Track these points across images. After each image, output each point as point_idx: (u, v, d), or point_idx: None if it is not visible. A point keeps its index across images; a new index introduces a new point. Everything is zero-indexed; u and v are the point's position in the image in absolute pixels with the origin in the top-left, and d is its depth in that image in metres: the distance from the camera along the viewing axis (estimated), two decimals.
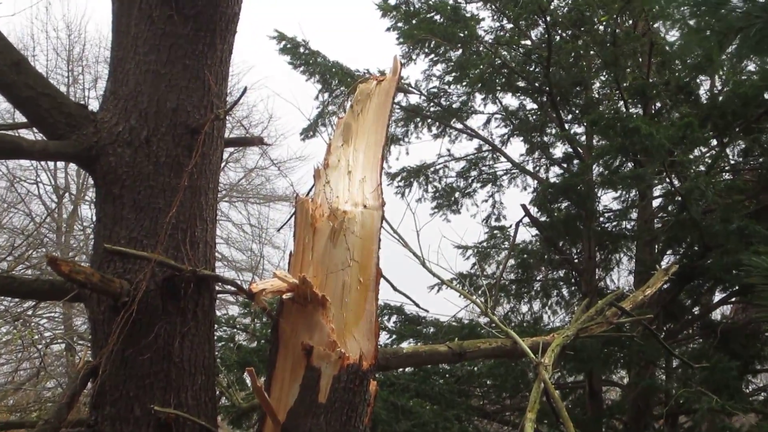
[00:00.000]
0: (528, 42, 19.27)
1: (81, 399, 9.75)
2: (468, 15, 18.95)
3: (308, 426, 8.04)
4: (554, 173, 19.65)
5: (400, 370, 15.40)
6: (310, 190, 8.88)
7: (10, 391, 26.36)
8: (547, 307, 19.37)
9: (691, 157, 16.47)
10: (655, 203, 18.25)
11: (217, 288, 8.79)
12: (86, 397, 9.08)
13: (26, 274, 25.67)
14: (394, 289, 10.73)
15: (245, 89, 9.18)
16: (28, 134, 18.99)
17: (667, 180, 16.40)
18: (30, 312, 26.74)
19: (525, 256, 18.98)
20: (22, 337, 24.87)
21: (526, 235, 21.42)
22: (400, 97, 19.63)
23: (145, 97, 8.50)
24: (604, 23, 18.14)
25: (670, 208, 17.84)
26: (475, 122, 33.26)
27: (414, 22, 18.90)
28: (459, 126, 20.39)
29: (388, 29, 19.38)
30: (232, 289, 9.03)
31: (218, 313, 17.32)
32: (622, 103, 17.83)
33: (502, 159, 20.16)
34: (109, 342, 7.92)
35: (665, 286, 15.03)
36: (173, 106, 8.50)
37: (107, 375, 8.01)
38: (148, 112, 8.47)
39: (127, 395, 8.03)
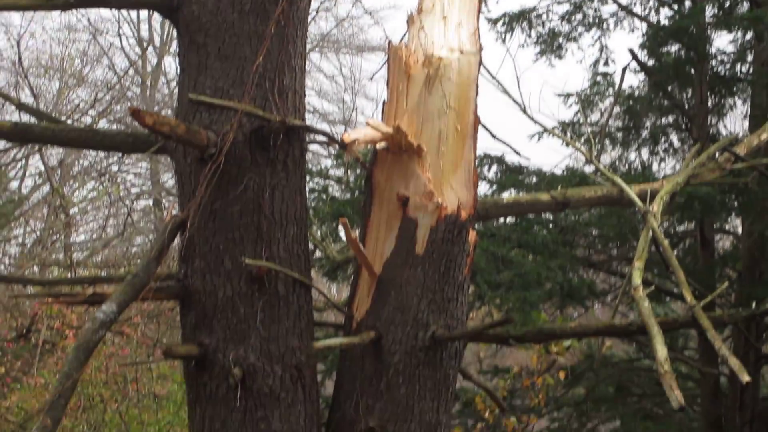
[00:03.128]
0: None
1: (170, 254, 9.94)
2: None
3: (405, 277, 8.17)
4: (664, 15, 19.25)
5: (501, 220, 15.45)
6: (404, 36, 8.81)
7: (99, 247, 26.94)
8: (655, 155, 19.18)
9: None
10: None
11: (307, 139, 8.80)
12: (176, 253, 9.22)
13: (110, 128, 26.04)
14: (494, 137, 10.67)
15: None
16: None
17: None
18: (116, 168, 27.17)
19: (632, 102, 18.75)
20: (109, 193, 25.34)
21: (633, 80, 21.10)
22: None
23: None
24: None
25: None
26: None
27: None
28: None
29: None
30: (324, 139, 9.06)
31: (310, 167, 17.43)
32: None
33: (609, 1, 19.78)
34: (197, 194, 8.02)
35: None
36: None
37: (196, 228, 8.13)
38: None
39: (217, 248, 8.15)
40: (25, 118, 13.93)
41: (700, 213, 15.44)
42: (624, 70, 14.65)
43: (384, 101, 8.41)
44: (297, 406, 8.35)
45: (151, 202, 30.30)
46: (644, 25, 19.19)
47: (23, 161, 26.71)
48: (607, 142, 18.66)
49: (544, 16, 19.73)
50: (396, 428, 8.39)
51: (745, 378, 6.85)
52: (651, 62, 17.49)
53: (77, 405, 15.48)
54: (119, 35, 35.60)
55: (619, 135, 19.17)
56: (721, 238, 19.45)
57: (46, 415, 7.35)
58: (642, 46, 17.40)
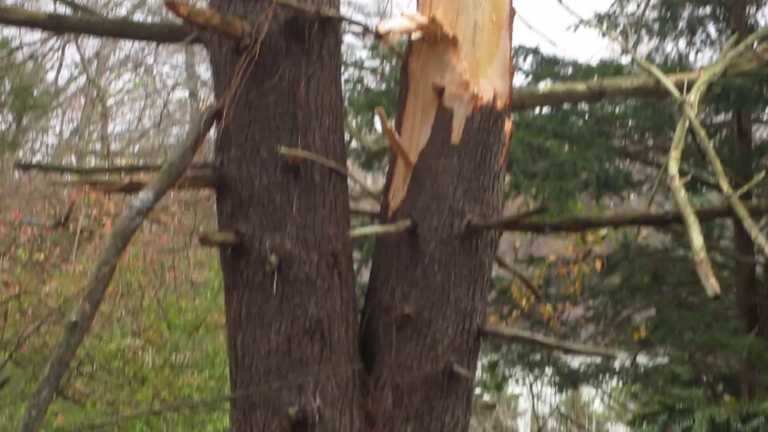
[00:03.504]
0: None
1: (206, 144, 10.03)
2: None
3: (441, 166, 8.26)
4: None
5: (537, 110, 15.44)
6: None
7: (135, 137, 27.05)
8: (692, 46, 19.03)
9: None
10: None
11: (342, 30, 8.79)
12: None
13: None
14: (530, 28, 10.65)
15: None
16: None
17: None
18: (152, 60, 27.18)
19: None
20: (145, 85, 25.39)
21: None
22: None
23: None
24: None
25: None
26: None
27: None
28: None
29: None
30: (359, 30, 9.06)
31: (345, 58, 17.40)
32: None
33: None
34: (232, 84, 8.07)
35: None
36: None
37: (231, 118, 8.22)
38: None
39: (253, 137, 8.24)
40: (61, 9, 13.96)
41: (737, 104, 15.35)
42: None
43: None
44: (333, 292, 8.44)
45: (186, 93, 30.29)
46: None
47: (59, 53, 26.71)
48: (643, 32, 18.52)
49: None
50: (431, 315, 8.52)
51: None
52: None
53: (115, 292, 15.66)
54: None
55: (656, 26, 18.99)
56: (758, 129, 19.39)
57: (85, 301, 7.49)
58: None
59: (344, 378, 8.47)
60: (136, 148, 25.89)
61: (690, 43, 18.85)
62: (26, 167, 9.59)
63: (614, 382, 20.48)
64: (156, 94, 25.48)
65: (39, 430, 7.68)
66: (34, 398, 7.69)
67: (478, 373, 14.05)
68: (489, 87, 8.18)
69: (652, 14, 18.82)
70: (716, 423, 5.11)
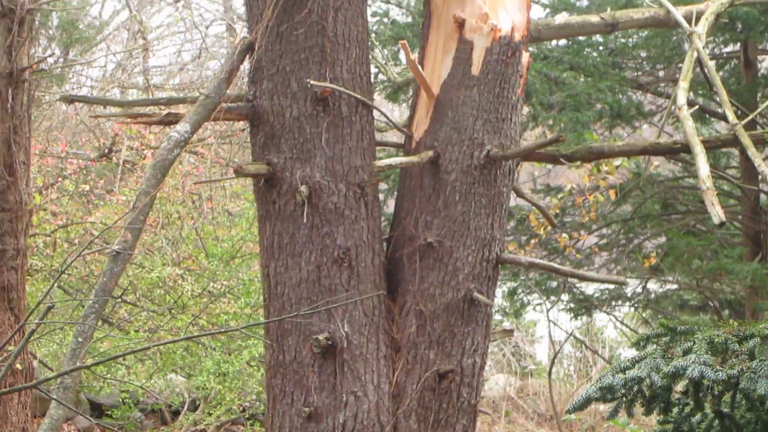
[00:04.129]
0: None
1: (241, 77, 9.84)
2: None
3: (461, 98, 8.09)
4: None
5: (554, 42, 15.23)
6: None
7: (175, 71, 26.99)
8: None
9: None
10: None
11: None
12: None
13: None
14: None
15: None
16: None
17: None
18: None
19: None
20: (184, 19, 25.21)
21: None
22: None
23: None
24: None
25: None
26: None
27: None
28: None
29: None
30: None
31: None
32: None
33: None
34: (264, 17, 8.00)
35: None
36: None
37: (263, 51, 8.10)
38: None
39: (284, 70, 8.10)
40: None
41: (743, 34, 15.07)
42: None
43: None
44: (360, 222, 8.34)
45: (223, 27, 30.36)
46: None
47: None
48: None
49: None
50: (453, 243, 8.42)
51: None
52: None
53: (156, 221, 15.62)
54: None
55: None
56: (764, 59, 19.03)
57: (127, 230, 7.44)
58: None
59: (371, 305, 8.41)
60: (176, 80, 25.83)
61: None
62: (71, 100, 9.44)
63: (626, 308, 20.40)
64: (194, 28, 25.33)
65: (85, 355, 7.61)
66: (80, 325, 7.63)
67: (498, 300, 13.88)
68: (507, 19, 8.02)
69: None
70: (714, 343, 5.03)
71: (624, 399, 4.71)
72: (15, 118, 11.68)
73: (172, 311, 14.71)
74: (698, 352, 5.12)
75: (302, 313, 8.00)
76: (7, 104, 11.66)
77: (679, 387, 5.34)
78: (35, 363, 13.58)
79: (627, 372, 4.72)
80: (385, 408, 8.31)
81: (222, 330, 13.35)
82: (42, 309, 4.06)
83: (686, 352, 5.17)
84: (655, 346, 5.36)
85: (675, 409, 5.30)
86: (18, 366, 11.63)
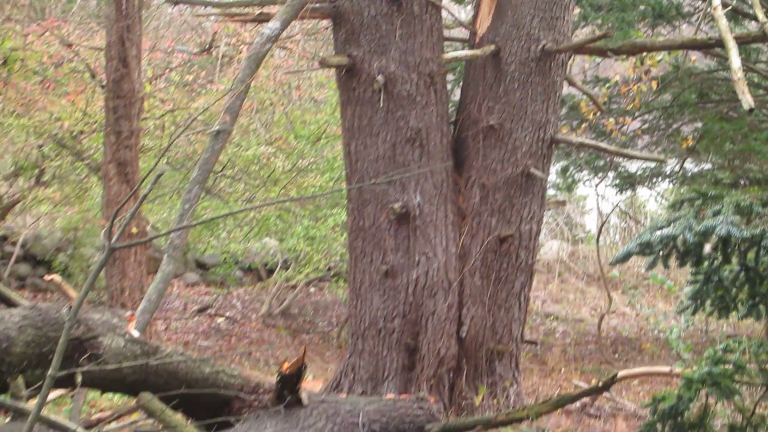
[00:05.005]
0: None
1: None
2: None
3: None
4: None
5: None
6: None
7: None
8: None
9: None
10: None
11: None
12: None
13: None
14: None
15: None
16: None
17: None
18: None
19: None
20: None
21: None
22: None
23: None
24: None
25: None
26: None
27: None
28: None
29: None
30: None
31: None
32: None
33: None
34: None
35: None
36: None
37: None
38: None
39: None
40: None
41: None
42: None
43: None
44: (430, 107, 8.47)
45: None
46: None
47: None
48: None
49: None
50: (512, 125, 8.62)
51: None
52: None
53: (251, 107, 15.69)
54: None
55: None
56: None
57: (226, 113, 7.59)
58: None
59: (440, 179, 8.59)
60: None
61: None
62: (176, 2, 9.59)
63: (665, 184, 20.27)
64: None
65: (191, 219, 7.83)
66: (186, 194, 7.83)
67: (551, 177, 13.96)
68: None
69: None
70: (741, 206, 5.10)
71: (660, 254, 4.86)
72: (128, 18, 11.82)
73: (266, 184, 14.89)
74: (726, 214, 5.21)
75: (380, 182, 8.16)
76: (122, 7, 11.81)
77: (710, 244, 5.45)
78: (148, 227, 13.89)
79: (663, 230, 4.87)
80: (452, 267, 8.52)
81: (310, 196, 13.59)
82: (152, 178, 4.25)
83: (716, 214, 5.25)
84: (688, 208, 5.47)
85: (705, 263, 5.39)
86: (134, 229, 11.94)
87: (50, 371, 3.65)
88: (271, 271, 16.97)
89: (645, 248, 4.80)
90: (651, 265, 4.72)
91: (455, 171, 8.79)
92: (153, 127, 14.94)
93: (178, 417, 5.71)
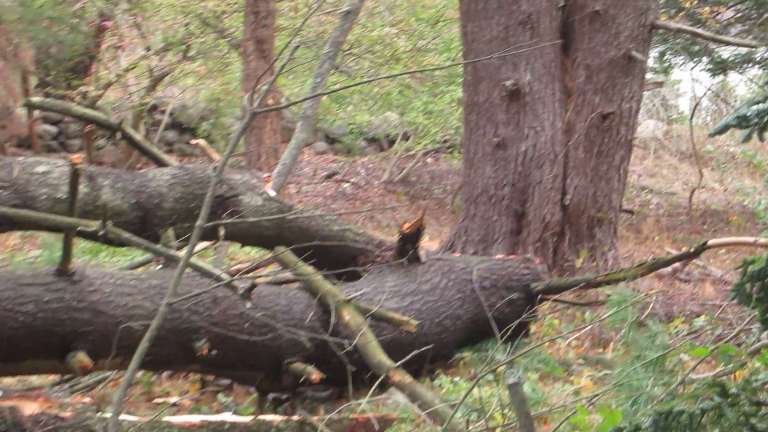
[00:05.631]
0: None
1: None
2: None
3: None
4: None
5: None
6: None
7: None
8: None
9: None
10: None
11: None
12: None
13: None
14: None
15: None
16: None
17: None
18: None
19: None
20: None
21: None
22: None
23: None
24: None
25: None
26: None
27: None
28: None
29: None
30: None
31: None
32: None
33: None
34: None
35: None
36: None
37: None
38: None
39: None
40: None
41: None
42: None
43: None
44: None
45: None
46: None
47: None
48: None
49: None
50: (616, 11, 8.49)
51: None
52: None
53: None
54: None
55: None
56: None
57: None
58: None
59: (548, 59, 8.53)
60: None
61: None
62: None
63: (755, 69, 19.62)
64: None
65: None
66: (318, 68, 7.86)
67: (650, 61, 13.57)
68: None
69: None
70: None
71: (756, 126, 4.70)
72: None
73: (389, 62, 14.75)
74: None
75: (494, 56, 8.03)
76: None
77: None
78: (282, 99, 13.92)
79: (760, 104, 4.70)
80: (558, 140, 8.44)
81: (431, 68, 13.53)
82: (287, 54, 4.20)
83: None
84: None
85: None
86: (270, 101, 12.00)
87: (198, 222, 3.69)
88: (392, 142, 16.95)
89: (742, 121, 4.62)
90: (746, 138, 4.56)
91: (562, 53, 8.63)
92: (288, 8, 14.86)
93: (310, 268, 5.77)
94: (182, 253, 4.64)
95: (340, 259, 6.15)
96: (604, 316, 6.41)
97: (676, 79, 23.51)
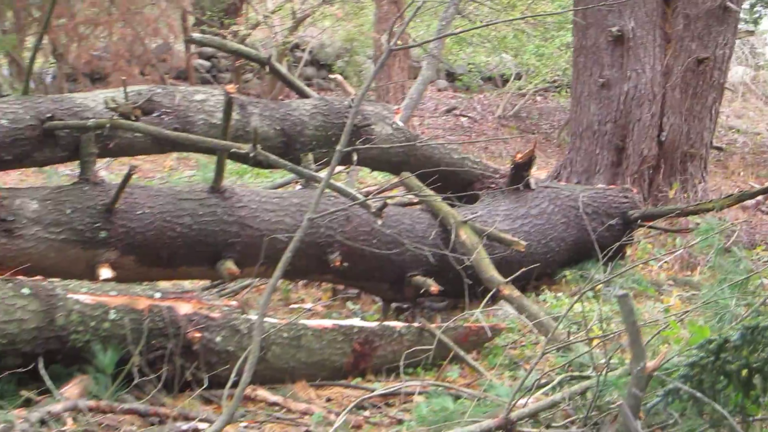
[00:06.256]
0: None
1: None
2: None
3: None
4: None
5: None
6: None
7: None
8: None
9: None
10: None
11: None
12: None
13: None
14: None
15: None
16: None
17: None
18: None
19: None
20: None
21: None
22: None
23: None
24: None
25: None
26: None
27: None
28: None
29: None
30: None
31: None
32: None
33: None
34: None
35: None
36: None
37: None
38: None
39: None
40: None
41: None
42: None
43: None
44: None
45: None
46: None
47: None
48: None
49: None
50: None
51: None
52: None
53: None
54: None
55: None
56: None
57: None
58: None
59: (651, 8, 8.18)
60: None
61: None
62: None
63: None
64: None
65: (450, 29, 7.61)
66: (444, 12, 7.63)
67: (742, 12, 12.88)
68: None
69: None
70: None
71: None
72: None
73: (506, 9, 14.31)
74: None
75: (602, 5, 7.69)
76: None
77: None
78: (410, 40, 13.65)
79: None
80: (657, 82, 8.11)
81: (543, 14, 13.21)
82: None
83: None
84: None
85: None
86: (399, 42, 11.80)
87: (338, 147, 3.57)
88: (506, 81, 16.58)
89: None
90: None
91: (664, 2, 8.20)
92: None
93: (432, 192, 5.66)
94: (322, 174, 4.57)
95: (459, 184, 6.01)
96: (693, 242, 6.25)
97: (764, 29, 22.47)
